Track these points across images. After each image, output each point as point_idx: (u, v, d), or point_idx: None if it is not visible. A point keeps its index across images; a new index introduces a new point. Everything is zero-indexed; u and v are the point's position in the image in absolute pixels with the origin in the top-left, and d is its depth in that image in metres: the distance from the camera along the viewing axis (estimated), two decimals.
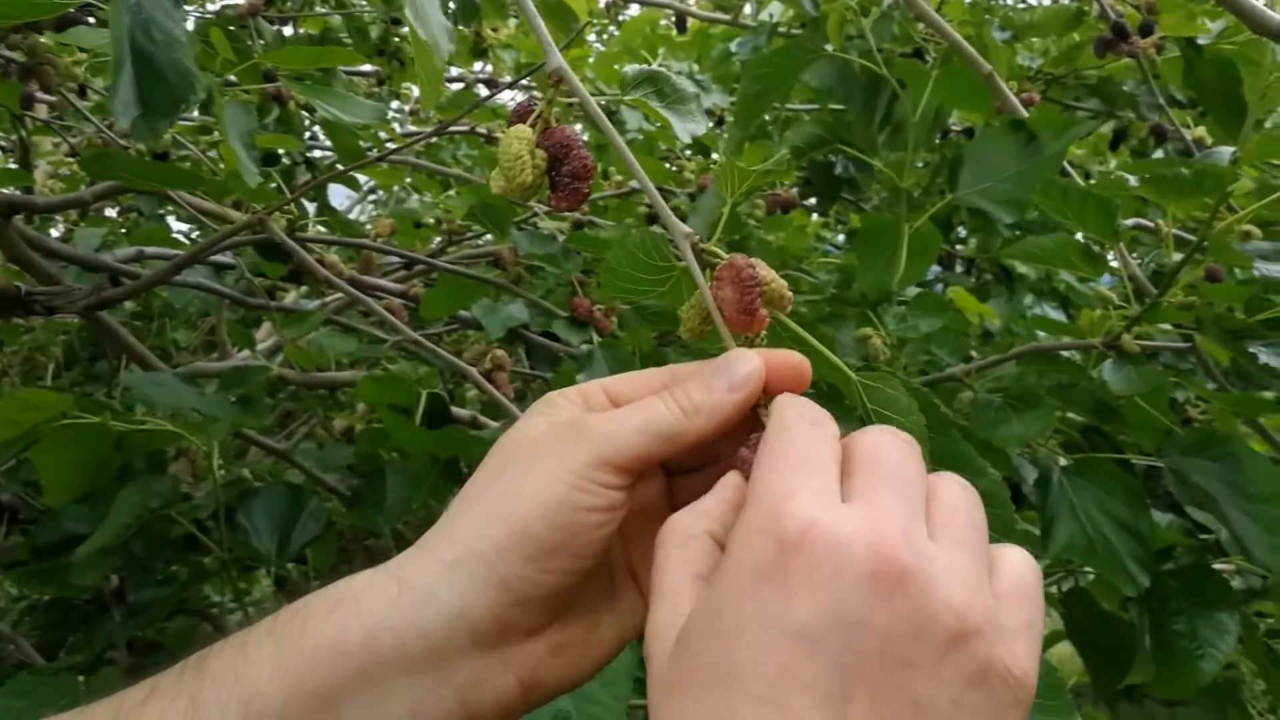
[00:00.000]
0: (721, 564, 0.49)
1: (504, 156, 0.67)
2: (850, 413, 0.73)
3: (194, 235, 2.42)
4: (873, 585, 0.45)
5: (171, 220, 2.51)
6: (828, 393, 0.76)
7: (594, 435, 0.56)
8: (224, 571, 1.53)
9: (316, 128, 2.34)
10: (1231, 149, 1.40)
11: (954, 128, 2.41)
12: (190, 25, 1.27)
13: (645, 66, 0.91)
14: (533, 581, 0.54)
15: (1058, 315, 2.43)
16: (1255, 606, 1.80)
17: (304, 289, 2.09)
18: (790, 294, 0.66)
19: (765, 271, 0.65)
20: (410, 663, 0.53)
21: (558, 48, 0.74)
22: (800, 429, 0.54)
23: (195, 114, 1.89)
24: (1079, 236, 1.35)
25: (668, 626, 0.50)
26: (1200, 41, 1.81)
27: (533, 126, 0.69)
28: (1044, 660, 0.98)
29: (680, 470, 0.64)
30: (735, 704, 0.44)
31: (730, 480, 0.56)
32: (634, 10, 3.28)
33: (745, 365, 0.59)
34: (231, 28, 1.50)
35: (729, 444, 0.59)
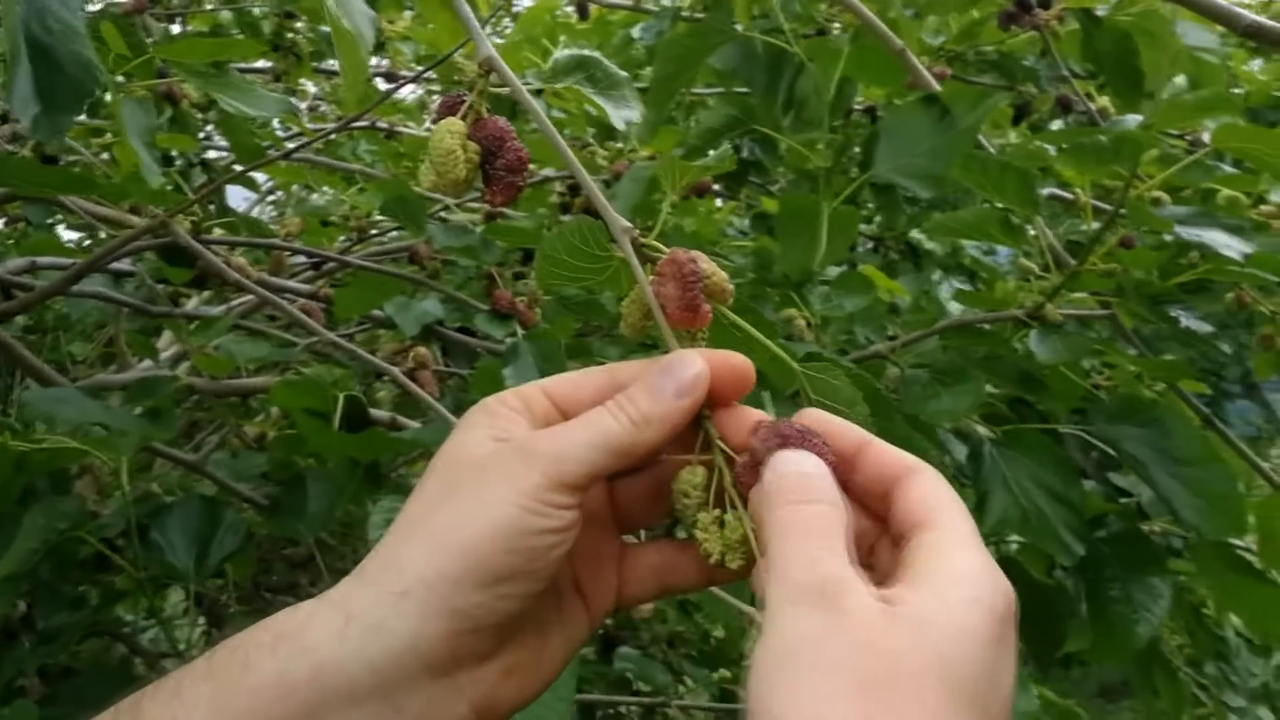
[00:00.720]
0: None
1: (435, 151, 0.64)
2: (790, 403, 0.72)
3: (86, 244, 2.34)
4: None
5: (61, 229, 2.42)
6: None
7: (545, 455, 0.54)
8: (139, 591, 1.47)
9: (210, 128, 2.27)
10: (1137, 118, 1.42)
11: (855, 108, 2.41)
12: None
13: (576, 51, 0.88)
14: (488, 609, 0.52)
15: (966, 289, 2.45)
16: (1174, 566, 1.84)
17: (207, 294, 2.02)
18: (731, 287, 0.65)
19: (707, 265, 0.63)
20: (359, 697, 0.51)
21: (483, 35, 0.71)
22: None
23: (84, 116, 1.81)
24: (996, 207, 1.36)
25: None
26: (1098, 13, 1.84)
27: (463, 119, 0.67)
28: None
29: (621, 473, 0.61)
30: None
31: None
32: (528, 1, 3.24)
33: (691, 369, 0.58)
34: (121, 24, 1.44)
35: (673, 445, 0.59)
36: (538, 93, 2.39)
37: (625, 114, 1.09)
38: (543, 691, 0.59)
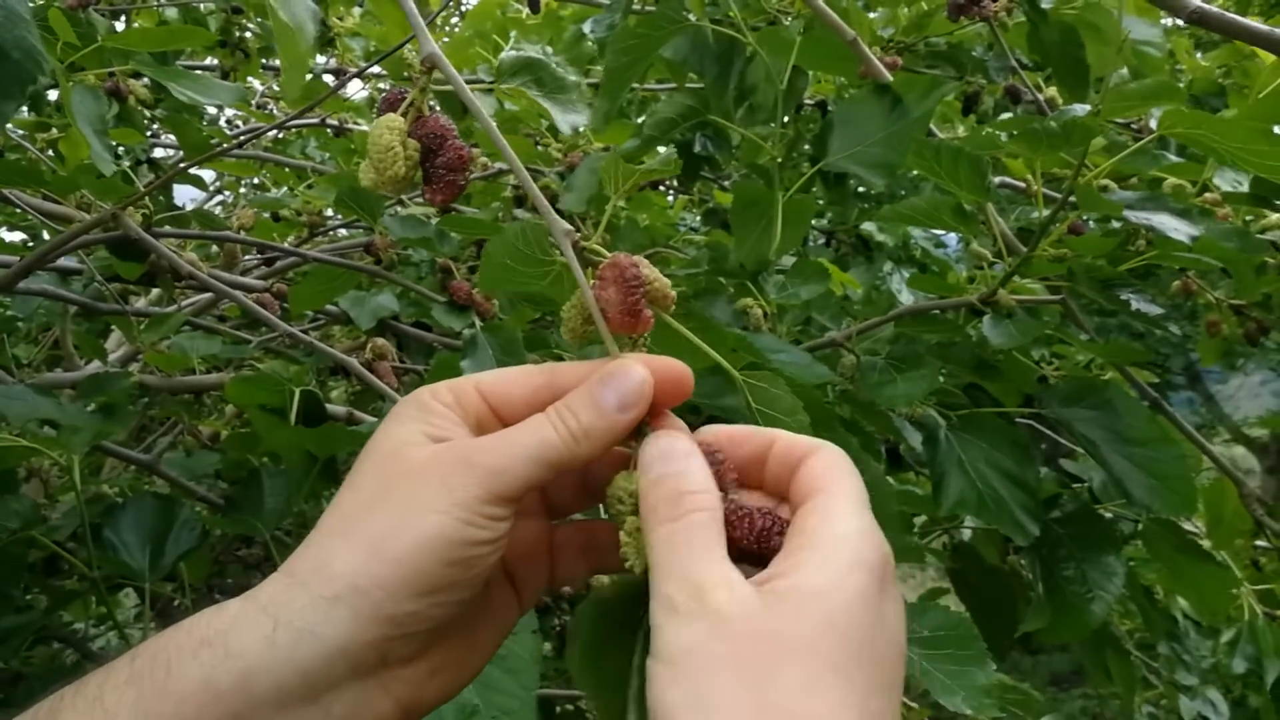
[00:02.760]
0: None
1: (374, 148, 0.64)
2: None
3: (29, 245, 2.30)
4: None
5: (3, 230, 2.38)
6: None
7: (484, 468, 0.54)
8: (92, 592, 1.45)
9: (156, 126, 2.24)
10: (1085, 107, 1.44)
11: (806, 102, 2.43)
12: None
13: (522, 52, 0.87)
14: (421, 616, 0.52)
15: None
16: (1126, 553, 1.87)
17: (157, 293, 2.00)
18: (674, 293, 0.65)
19: (649, 270, 0.64)
20: (287, 702, 0.51)
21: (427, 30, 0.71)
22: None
23: (27, 111, 1.79)
24: (948, 194, 1.37)
25: None
26: (1044, 6, 1.86)
27: (404, 115, 0.66)
28: (957, 612, 0.99)
29: None
30: None
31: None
32: None
33: (633, 379, 0.58)
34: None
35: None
36: (490, 89, 2.39)
37: (572, 118, 1.08)
38: (471, 680, 0.60)
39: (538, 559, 0.63)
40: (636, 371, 0.58)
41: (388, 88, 3.02)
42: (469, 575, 0.53)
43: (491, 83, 2.38)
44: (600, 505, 0.63)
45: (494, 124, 0.68)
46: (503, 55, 1.12)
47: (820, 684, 0.47)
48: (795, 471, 0.57)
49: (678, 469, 0.56)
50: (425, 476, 0.54)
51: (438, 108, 0.69)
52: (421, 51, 0.68)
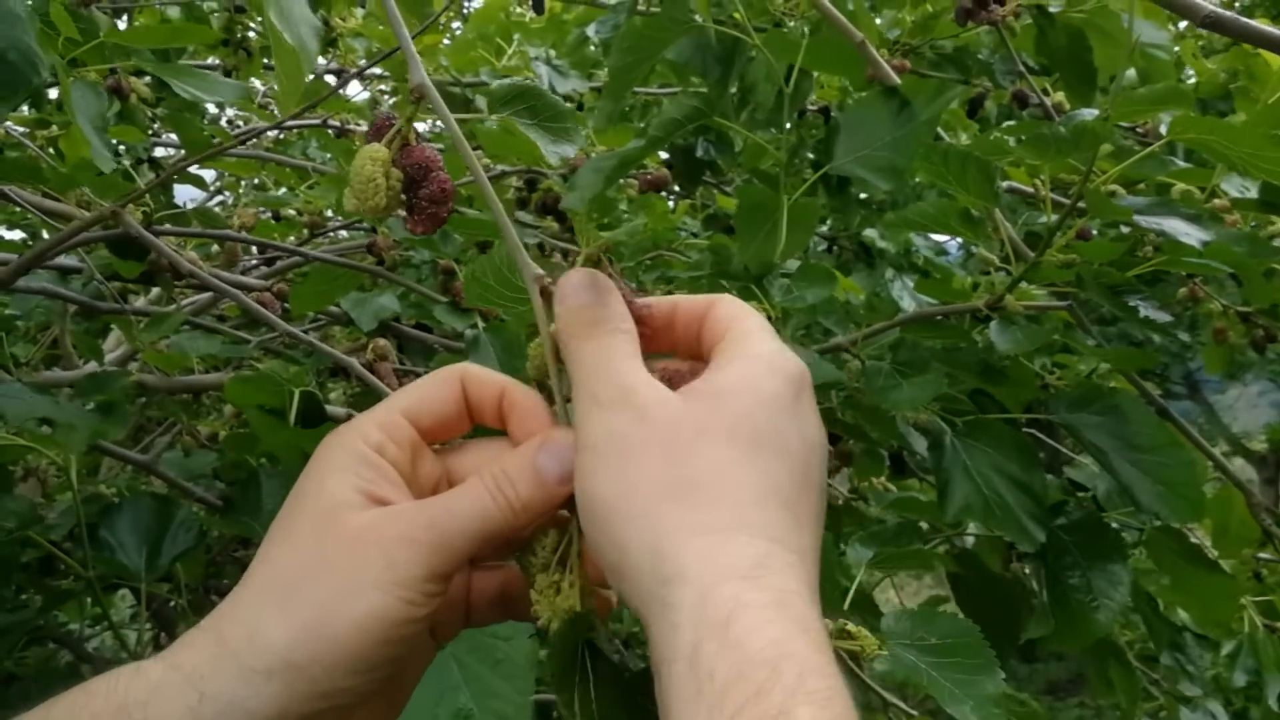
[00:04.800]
0: None
1: (356, 178, 0.64)
2: None
3: (29, 243, 2.29)
4: None
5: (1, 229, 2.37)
6: None
7: (427, 545, 0.53)
8: (88, 592, 1.44)
9: (157, 125, 2.23)
10: (1093, 111, 1.43)
11: (809, 108, 2.42)
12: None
13: (516, 80, 0.85)
14: (355, 691, 0.52)
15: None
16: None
17: (156, 292, 1.98)
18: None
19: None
20: None
21: (410, 36, 0.70)
22: None
23: (27, 108, 1.78)
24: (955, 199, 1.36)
25: None
26: (1052, 9, 1.85)
27: (390, 144, 0.66)
28: (965, 620, 0.98)
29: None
30: None
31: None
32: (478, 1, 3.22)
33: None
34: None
35: None
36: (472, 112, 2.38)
37: (560, 150, 1.06)
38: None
39: (457, 606, 0.63)
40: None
41: (387, 89, 3.01)
42: (405, 648, 0.53)
43: (483, 115, 2.38)
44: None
45: (476, 162, 0.67)
46: (495, 83, 1.10)
47: (733, 464, 0.51)
48: (701, 324, 0.60)
49: (601, 300, 0.58)
50: (366, 550, 0.53)
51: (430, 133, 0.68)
52: (411, 80, 0.68)
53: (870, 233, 2.82)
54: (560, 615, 0.57)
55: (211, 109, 2.95)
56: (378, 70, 2.64)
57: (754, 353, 0.56)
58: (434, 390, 0.60)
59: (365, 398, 1.85)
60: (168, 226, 1.47)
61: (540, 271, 0.63)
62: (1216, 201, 1.54)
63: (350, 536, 0.53)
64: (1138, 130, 1.91)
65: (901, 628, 0.94)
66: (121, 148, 1.95)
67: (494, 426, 0.61)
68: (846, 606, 1.09)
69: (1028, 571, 1.66)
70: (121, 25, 2.28)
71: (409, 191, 0.66)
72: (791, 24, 1.96)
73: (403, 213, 0.67)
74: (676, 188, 2.49)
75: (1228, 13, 1.09)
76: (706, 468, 0.51)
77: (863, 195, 2.79)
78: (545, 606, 0.57)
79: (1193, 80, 2.30)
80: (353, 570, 0.52)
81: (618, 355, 0.56)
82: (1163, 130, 1.30)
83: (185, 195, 2.89)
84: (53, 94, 1.83)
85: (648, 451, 0.52)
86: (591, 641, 0.59)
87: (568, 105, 1.19)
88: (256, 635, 0.51)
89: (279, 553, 0.54)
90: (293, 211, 1.96)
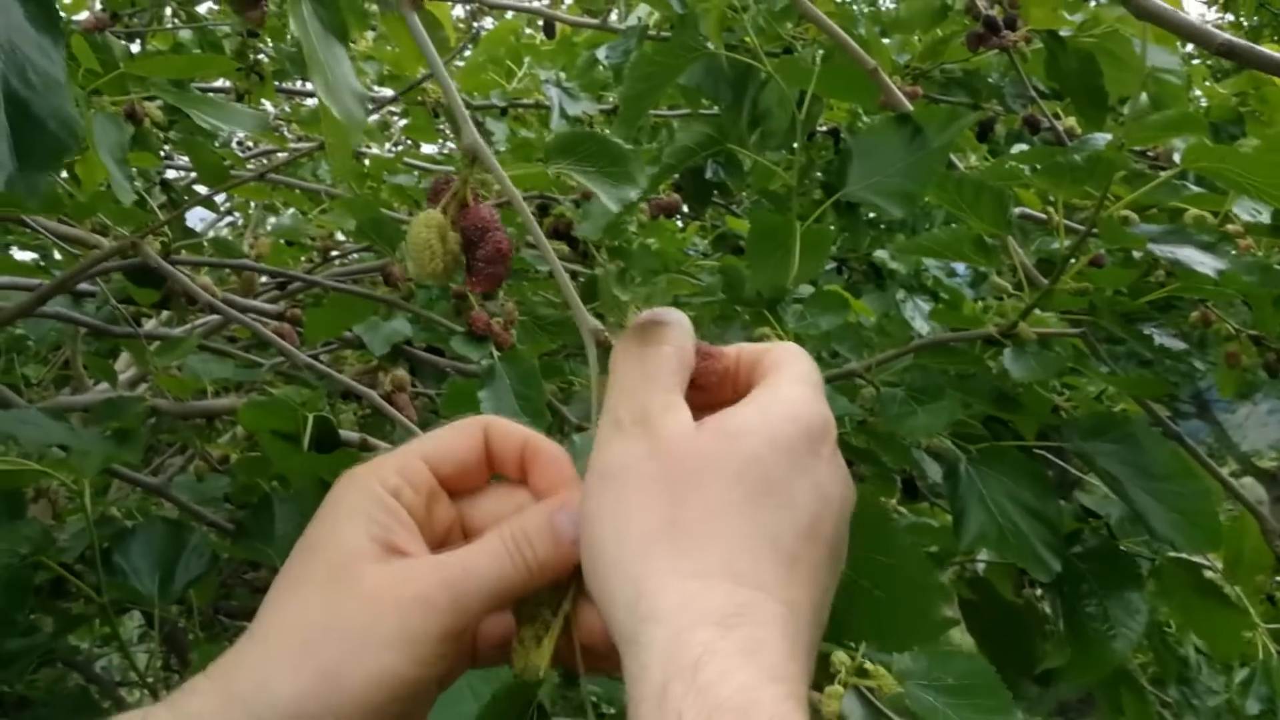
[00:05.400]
0: None
1: (413, 245, 0.66)
2: None
3: (40, 264, 2.29)
4: None
5: (14, 250, 2.37)
6: None
7: (444, 609, 0.53)
8: (101, 615, 1.44)
9: (169, 147, 2.23)
10: (1105, 137, 1.43)
11: (818, 129, 2.42)
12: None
13: (575, 129, 0.84)
14: None
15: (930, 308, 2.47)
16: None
17: (167, 315, 1.99)
18: None
19: None
20: None
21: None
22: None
23: None
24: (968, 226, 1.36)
25: None
26: (1063, 34, 1.86)
27: (445, 209, 0.67)
28: (981, 659, 0.98)
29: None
30: None
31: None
32: (489, 22, 3.23)
33: None
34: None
35: None
36: (502, 112, 2.38)
37: (624, 193, 1.04)
38: None
39: (464, 652, 0.62)
40: None
41: (397, 111, 3.02)
42: (414, 703, 0.53)
43: (506, 105, 2.37)
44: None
45: (534, 219, 0.69)
46: (551, 134, 1.07)
47: (731, 509, 0.51)
48: (756, 367, 0.60)
49: (662, 325, 0.59)
50: (380, 609, 0.52)
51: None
52: (464, 140, 0.69)
53: (881, 253, 2.82)
54: (531, 668, 0.57)
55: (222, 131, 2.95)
56: (387, 92, 2.65)
57: (778, 395, 0.56)
58: (456, 438, 0.60)
59: (377, 420, 1.86)
60: (185, 256, 1.47)
61: (597, 325, 0.63)
62: (1230, 227, 1.54)
63: (365, 593, 0.52)
64: (1149, 154, 1.91)
65: (918, 667, 0.93)
66: (135, 172, 1.96)
67: (514, 478, 0.61)
68: None
69: (1040, 596, 1.65)
70: (135, 49, 2.30)
71: (468, 252, 0.67)
72: (802, 47, 1.96)
73: (462, 275, 0.68)
74: (685, 208, 2.49)
75: (1242, 41, 1.09)
76: (703, 511, 0.51)
77: (872, 215, 2.79)
78: (520, 657, 0.57)
79: (1203, 103, 2.30)
80: (366, 629, 0.51)
81: (653, 380, 0.56)
82: (1176, 157, 1.30)
83: (195, 216, 2.90)
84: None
85: (651, 486, 0.52)
86: (542, 706, 0.59)
87: (625, 146, 1.18)
88: (265, 689, 0.50)
89: (290, 603, 0.54)
90: (309, 239, 1.97)
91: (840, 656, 0.89)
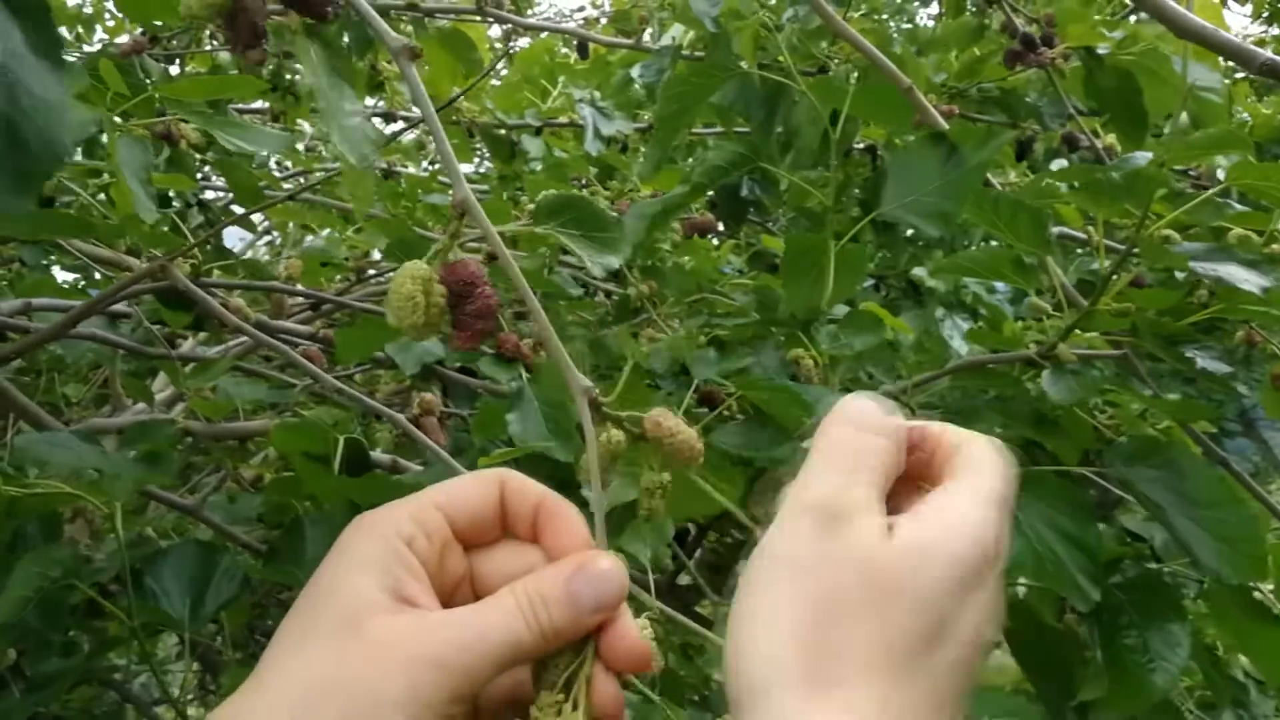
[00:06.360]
0: None
1: (395, 295, 0.65)
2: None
3: (81, 284, 2.31)
4: None
5: (56, 270, 2.40)
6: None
7: (454, 671, 0.51)
8: (133, 637, 1.44)
9: (207, 168, 2.25)
10: (1146, 155, 1.40)
11: (855, 146, 2.41)
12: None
13: (564, 193, 0.85)
14: None
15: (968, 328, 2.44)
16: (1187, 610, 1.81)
17: (203, 336, 2.00)
18: (700, 446, 0.66)
19: (672, 423, 0.65)
20: None
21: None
22: None
23: (80, 156, 1.80)
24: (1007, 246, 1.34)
25: None
26: (1100, 52, 1.84)
27: (430, 261, 0.67)
28: (1023, 698, 0.95)
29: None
30: None
31: None
32: (524, 41, 3.24)
33: (614, 583, 0.56)
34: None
35: None
36: (537, 131, 2.39)
37: (605, 259, 1.05)
38: None
39: (469, 712, 0.61)
40: (617, 575, 0.56)
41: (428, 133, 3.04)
42: None
43: (540, 124, 2.36)
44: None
45: (520, 275, 0.67)
46: (541, 195, 1.09)
47: (895, 645, 0.49)
48: (949, 458, 0.58)
49: (890, 406, 0.57)
50: (389, 667, 0.50)
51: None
52: (455, 195, 0.68)
53: (919, 271, 2.79)
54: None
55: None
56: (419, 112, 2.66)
57: (966, 517, 0.53)
58: (473, 489, 0.58)
59: (410, 443, 1.86)
60: (216, 278, 1.48)
61: (588, 384, 0.62)
62: (1275, 246, 1.51)
63: (374, 648, 0.51)
64: (1190, 173, 1.88)
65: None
66: (171, 193, 1.97)
67: (525, 537, 0.59)
68: None
69: (1080, 622, 1.62)
70: (174, 71, 2.32)
71: (454, 307, 0.66)
72: (836, 65, 1.95)
73: (446, 329, 0.67)
74: (720, 226, 2.49)
75: None
76: (838, 640, 0.50)
77: (910, 232, 2.77)
78: None
79: (1245, 120, 2.27)
80: (373, 688, 0.50)
81: (859, 473, 0.54)
82: (1219, 174, 1.28)
83: (234, 235, 2.92)
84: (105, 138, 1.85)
85: (807, 583, 0.51)
86: None
87: (613, 216, 1.19)
88: None
89: (294, 653, 0.52)
90: (343, 259, 1.97)
91: None
